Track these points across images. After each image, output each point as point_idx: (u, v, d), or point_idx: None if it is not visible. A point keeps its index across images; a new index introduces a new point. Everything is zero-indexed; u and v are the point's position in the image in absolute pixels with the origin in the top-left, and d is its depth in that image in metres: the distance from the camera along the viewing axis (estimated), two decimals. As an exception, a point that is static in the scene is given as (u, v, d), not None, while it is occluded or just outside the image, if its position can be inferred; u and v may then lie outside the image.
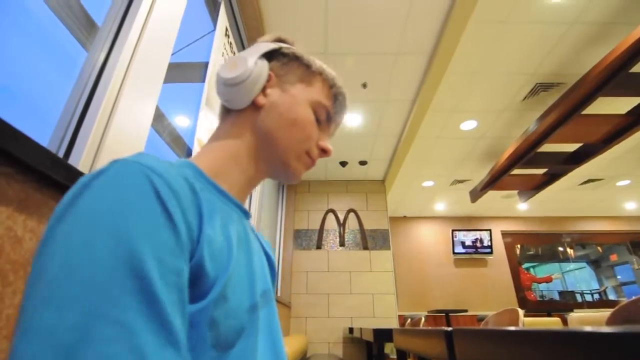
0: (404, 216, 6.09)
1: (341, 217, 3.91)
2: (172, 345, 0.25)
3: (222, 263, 0.35)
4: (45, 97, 0.90)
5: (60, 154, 0.71)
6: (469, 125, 3.31)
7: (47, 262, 0.25)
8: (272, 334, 0.45)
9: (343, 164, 3.77)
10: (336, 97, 0.54)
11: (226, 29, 1.72)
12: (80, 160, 0.71)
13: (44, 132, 0.73)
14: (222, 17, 1.65)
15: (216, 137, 0.49)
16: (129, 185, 0.28)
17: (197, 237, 0.32)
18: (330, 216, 3.92)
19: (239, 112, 0.50)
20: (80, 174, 0.59)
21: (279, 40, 0.57)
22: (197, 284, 0.32)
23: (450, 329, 0.47)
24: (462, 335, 0.42)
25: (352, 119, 3.00)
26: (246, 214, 0.49)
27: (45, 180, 0.53)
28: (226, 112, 0.52)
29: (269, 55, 0.52)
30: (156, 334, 0.24)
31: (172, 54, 1.12)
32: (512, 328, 0.34)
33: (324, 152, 0.53)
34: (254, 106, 0.49)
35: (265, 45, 0.52)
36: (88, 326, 0.22)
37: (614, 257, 6.17)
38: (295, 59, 0.53)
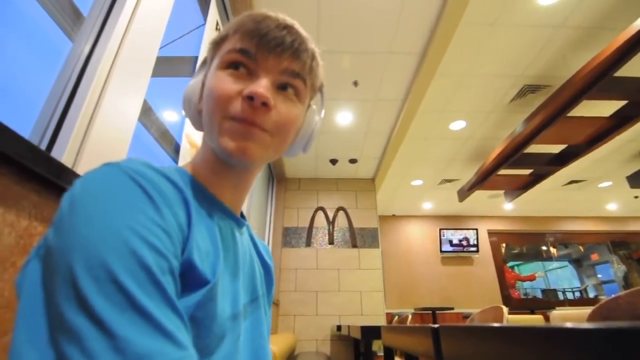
0: (393, 215, 6.14)
1: (331, 215, 3.92)
2: (172, 309, 0.27)
3: (210, 267, 0.35)
4: (27, 87, 0.87)
5: (43, 146, 0.69)
6: (457, 125, 3.35)
7: (55, 264, 0.27)
8: (254, 344, 0.45)
9: (333, 161, 3.77)
10: (240, 28, 0.41)
11: (217, 23, 1.69)
12: (64, 153, 0.69)
13: (25, 123, 0.70)
14: (212, 11, 1.62)
15: (197, 153, 0.48)
16: (115, 185, 0.30)
17: (187, 234, 0.33)
18: (320, 214, 3.92)
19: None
20: (63, 167, 0.57)
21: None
22: (185, 281, 0.32)
23: (436, 325, 0.47)
24: (448, 332, 0.43)
25: (342, 117, 3.01)
26: (238, 222, 0.46)
27: (26, 173, 0.51)
28: None
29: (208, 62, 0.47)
30: (153, 301, 0.26)
31: (161, 48, 1.09)
32: (497, 325, 0.34)
33: (249, 99, 0.38)
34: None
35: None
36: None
37: (594, 257, 6.35)
38: (211, 45, 0.46)
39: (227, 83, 0.39)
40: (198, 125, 0.47)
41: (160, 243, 0.29)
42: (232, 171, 0.44)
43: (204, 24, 1.58)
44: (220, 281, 0.37)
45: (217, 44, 0.44)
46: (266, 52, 0.39)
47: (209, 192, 0.42)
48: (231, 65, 0.40)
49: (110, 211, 0.28)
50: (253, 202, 2.88)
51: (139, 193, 0.30)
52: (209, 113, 0.40)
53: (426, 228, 6.11)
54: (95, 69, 0.82)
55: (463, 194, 4.32)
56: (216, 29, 1.67)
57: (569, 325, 0.27)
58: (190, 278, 0.32)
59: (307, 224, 3.86)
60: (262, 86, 0.38)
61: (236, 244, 0.45)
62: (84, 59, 0.82)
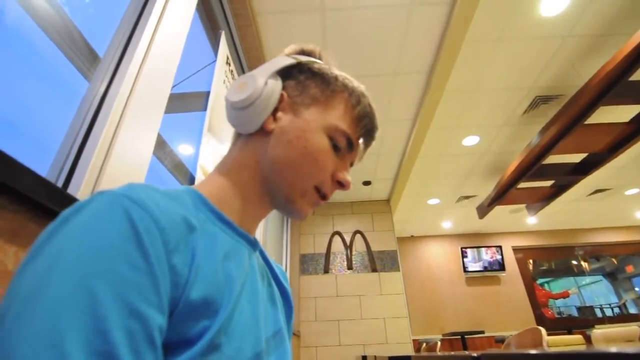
0: (412, 236, 5.98)
1: (347, 240, 3.84)
2: None
3: (217, 306, 0.31)
4: (46, 127, 0.90)
5: (60, 183, 0.70)
6: (471, 140, 3.31)
7: (11, 298, 0.23)
8: None
9: (347, 185, 3.75)
10: (360, 119, 0.46)
11: (227, 58, 1.75)
12: (80, 189, 0.70)
13: (43, 162, 0.72)
14: (222, 47, 1.68)
15: (224, 162, 0.46)
16: (105, 224, 0.26)
17: (186, 278, 0.29)
18: (337, 239, 3.86)
19: (248, 136, 0.45)
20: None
21: (302, 52, 0.51)
22: (184, 331, 0.28)
23: (475, 354, 0.43)
24: (492, 360, 0.38)
25: (353, 140, 3.01)
26: (254, 245, 0.44)
27: (40, 210, 0.51)
28: (237, 135, 0.48)
29: (286, 72, 0.46)
30: None
31: (174, 86, 1.12)
32: (550, 351, 0.30)
33: (341, 185, 0.45)
34: (264, 131, 0.44)
35: (282, 60, 0.47)
36: None
37: (629, 269, 5.98)
38: (314, 75, 0.47)
39: (330, 159, 0.43)
40: (245, 127, 0.44)
41: (139, 297, 0.24)
42: (268, 206, 0.45)
43: (214, 61, 1.63)
44: (235, 318, 0.33)
45: (323, 84, 0.46)
46: (362, 149, 0.49)
47: (222, 214, 0.39)
48: (331, 139, 0.44)
49: (83, 254, 0.24)
50: (269, 230, 2.86)
51: (128, 231, 0.26)
52: (295, 169, 0.42)
53: (447, 248, 5.92)
54: (110, 107, 0.84)
55: (483, 210, 4.19)
56: (226, 62, 1.73)
57: (631, 349, 0.23)
58: (187, 327, 0.28)
59: (324, 250, 3.79)
60: (349, 175, 0.46)
61: (254, 270, 0.41)
62: (100, 98, 0.84)
